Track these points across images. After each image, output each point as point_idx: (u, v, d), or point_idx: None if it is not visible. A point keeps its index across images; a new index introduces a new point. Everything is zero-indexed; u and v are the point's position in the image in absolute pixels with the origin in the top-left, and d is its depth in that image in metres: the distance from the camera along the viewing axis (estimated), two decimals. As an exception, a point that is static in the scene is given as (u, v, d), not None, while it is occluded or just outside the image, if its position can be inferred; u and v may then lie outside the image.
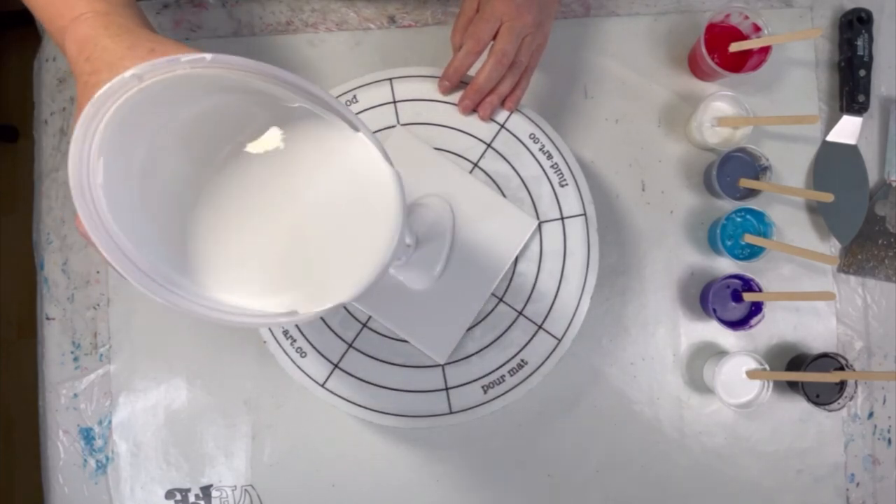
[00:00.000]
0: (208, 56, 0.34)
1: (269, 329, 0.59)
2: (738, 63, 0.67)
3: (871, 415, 0.69)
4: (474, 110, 0.61)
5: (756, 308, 0.66)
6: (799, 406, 0.68)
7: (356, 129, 0.39)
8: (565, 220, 0.60)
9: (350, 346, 0.59)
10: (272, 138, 0.42)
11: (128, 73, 0.34)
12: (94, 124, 0.35)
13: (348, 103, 0.61)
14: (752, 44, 0.65)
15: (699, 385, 0.68)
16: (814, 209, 0.70)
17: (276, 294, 0.41)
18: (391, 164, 0.40)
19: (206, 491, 0.68)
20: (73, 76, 0.42)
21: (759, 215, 0.66)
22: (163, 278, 0.38)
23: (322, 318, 0.59)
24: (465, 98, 0.60)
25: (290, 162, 0.42)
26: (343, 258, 0.41)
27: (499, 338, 0.59)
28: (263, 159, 0.42)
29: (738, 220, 0.66)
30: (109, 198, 0.36)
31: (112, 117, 0.35)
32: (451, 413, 0.58)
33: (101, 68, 0.39)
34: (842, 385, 0.65)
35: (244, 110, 0.40)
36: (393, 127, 0.61)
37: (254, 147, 0.42)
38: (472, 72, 0.59)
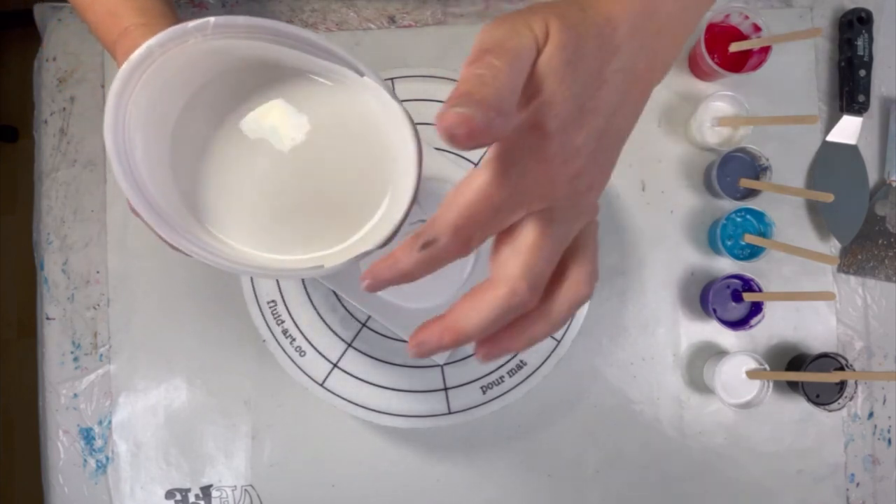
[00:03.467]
0: (212, 20, 0.37)
1: (269, 328, 0.59)
2: (738, 63, 0.67)
3: (871, 415, 0.69)
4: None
5: (756, 308, 0.66)
6: (799, 406, 0.68)
7: (361, 73, 0.40)
8: (565, 220, 0.59)
9: (349, 345, 0.59)
10: (285, 105, 0.44)
11: (143, 46, 0.37)
12: (125, 99, 0.38)
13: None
14: (752, 44, 0.65)
15: (699, 385, 0.68)
16: (814, 209, 0.70)
17: (305, 250, 0.43)
18: (399, 102, 0.40)
19: (206, 491, 0.68)
20: None
21: (759, 215, 0.66)
22: (202, 242, 0.41)
23: (321, 318, 0.59)
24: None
25: (307, 123, 0.44)
26: (366, 208, 0.43)
27: (498, 338, 0.58)
28: (283, 124, 0.44)
29: (738, 220, 0.66)
30: (147, 168, 0.40)
31: (141, 94, 0.39)
32: (449, 413, 0.58)
33: None
34: (842, 385, 0.65)
35: (259, 78, 0.43)
36: (393, 127, 0.61)
37: (271, 113, 0.44)
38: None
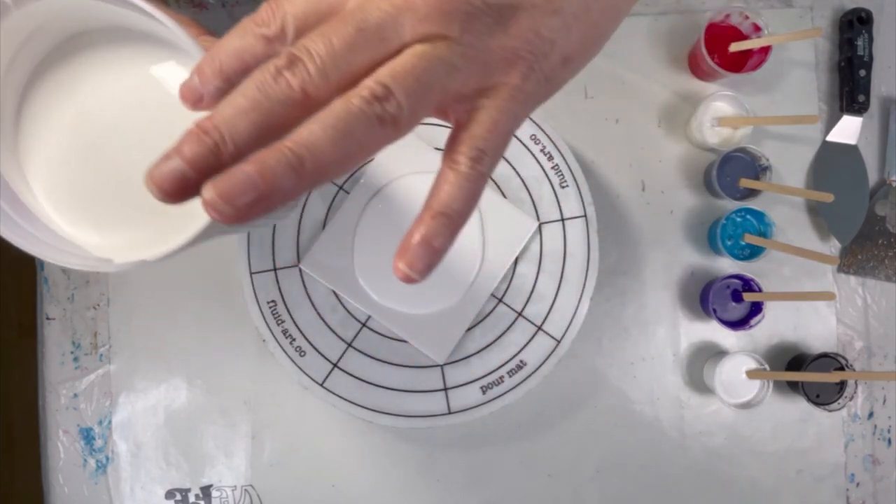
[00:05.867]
0: None
1: (269, 328, 0.59)
2: (738, 63, 0.67)
3: (871, 415, 0.69)
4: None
5: (756, 308, 0.66)
6: (799, 406, 0.68)
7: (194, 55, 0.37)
8: (566, 222, 0.60)
9: (349, 345, 0.59)
10: (119, 76, 0.41)
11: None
12: None
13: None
14: (752, 44, 0.65)
15: (699, 385, 0.68)
16: (814, 209, 0.70)
17: (111, 234, 0.40)
18: None
19: (206, 491, 0.68)
20: None
21: (759, 215, 0.66)
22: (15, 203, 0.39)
23: (321, 317, 0.59)
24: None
25: (134, 99, 0.41)
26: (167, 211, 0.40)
27: (498, 339, 0.59)
28: (113, 96, 0.41)
29: (738, 220, 0.66)
30: None
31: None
32: (449, 413, 0.58)
33: None
34: (842, 385, 0.65)
35: (102, 41, 0.40)
36: (393, 127, 0.61)
37: (103, 86, 0.41)
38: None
